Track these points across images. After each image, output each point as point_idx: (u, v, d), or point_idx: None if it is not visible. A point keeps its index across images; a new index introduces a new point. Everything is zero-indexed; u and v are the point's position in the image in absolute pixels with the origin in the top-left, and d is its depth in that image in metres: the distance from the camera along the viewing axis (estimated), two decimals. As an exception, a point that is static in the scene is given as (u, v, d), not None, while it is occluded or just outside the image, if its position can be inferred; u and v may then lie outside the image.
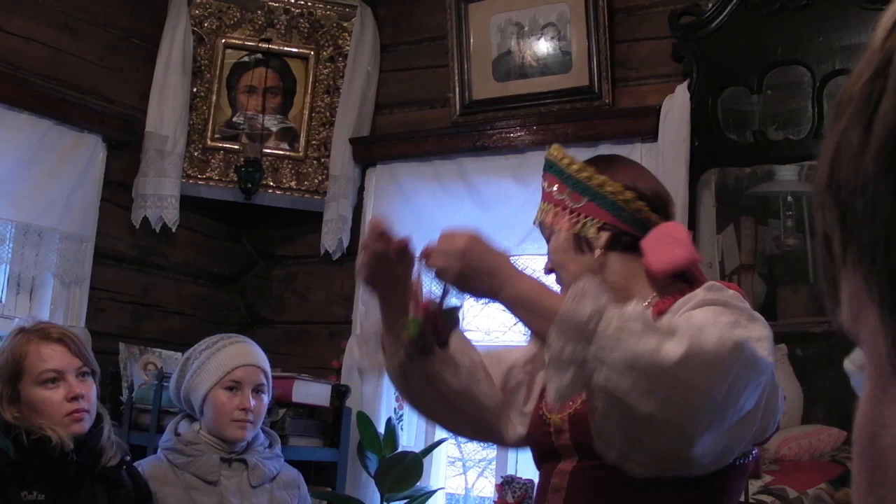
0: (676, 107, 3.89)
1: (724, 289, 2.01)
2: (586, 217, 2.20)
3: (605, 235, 2.19)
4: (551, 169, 2.28)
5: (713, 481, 1.99)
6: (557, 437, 2.16)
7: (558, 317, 1.79)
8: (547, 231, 2.27)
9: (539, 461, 2.26)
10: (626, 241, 2.19)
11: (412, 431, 4.54)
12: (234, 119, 4.81)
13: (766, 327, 1.94)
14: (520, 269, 1.98)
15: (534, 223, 2.33)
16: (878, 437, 0.51)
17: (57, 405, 2.77)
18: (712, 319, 1.84)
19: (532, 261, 4.33)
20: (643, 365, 1.73)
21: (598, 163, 2.28)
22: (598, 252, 2.20)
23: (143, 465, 3.17)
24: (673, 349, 1.72)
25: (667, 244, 2.17)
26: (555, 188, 2.26)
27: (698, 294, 2.00)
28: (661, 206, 2.25)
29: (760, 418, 1.93)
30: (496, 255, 1.98)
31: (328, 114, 4.83)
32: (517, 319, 1.98)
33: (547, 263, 2.28)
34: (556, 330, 1.80)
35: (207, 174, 4.73)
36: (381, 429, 4.23)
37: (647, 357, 1.73)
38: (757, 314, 1.97)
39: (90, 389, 2.86)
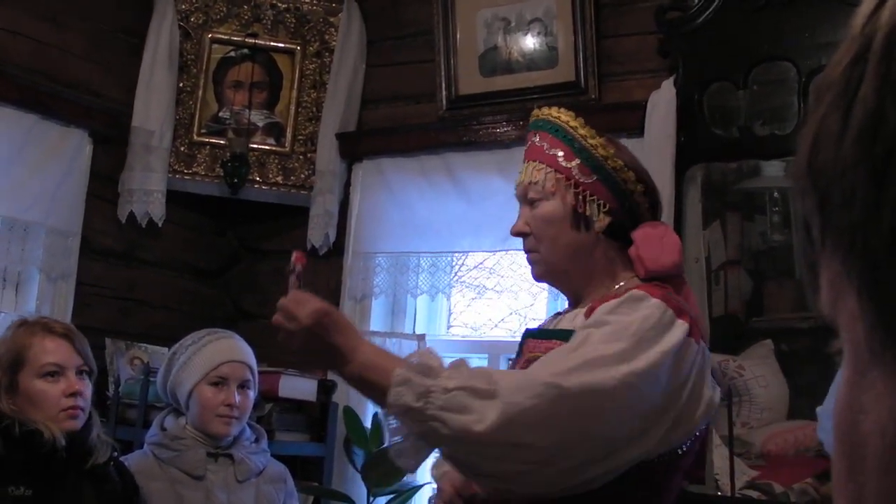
0: (662, 102, 3.89)
1: (644, 298, 2.05)
2: (592, 196, 2.19)
3: (606, 220, 2.19)
4: (556, 132, 2.23)
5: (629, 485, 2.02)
6: None
7: (389, 400, 1.86)
8: (537, 194, 2.22)
9: None
10: (617, 229, 2.20)
11: (399, 426, 4.53)
12: (221, 114, 4.80)
13: (675, 341, 2.00)
14: (359, 342, 1.99)
15: (521, 181, 2.26)
16: (857, 423, 0.51)
17: (55, 399, 2.77)
18: (593, 354, 1.92)
19: (516, 256, 4.34)
20: (468, 439, 1.83)
21: (610, 141, 2.27)
22: (593, 233, 2.20)
23: (129, 460, 3.16)
24: (489, 418, 1.81)
25: (660, 245, 2.20)
26: (559, 154, 2.21)
27: (613, 305, 2.05)
28: (656, 203, 2.28)
29: (669, 427, 2.00)
30: (339, 333, 1.98)
31: (314, 109, 4.82)
32: (354, 388, 2.03)
33: (522, 226, 2.24)
34: (390, 410, 1.88)
35: (194, 169, 4.72)
36: (368, 424, 4.23)
37: (467, 431, 1.82)
38: (673, 321, 2.02)
39: (87, 388, 2.86)
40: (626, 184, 2.20)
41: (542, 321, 2.49)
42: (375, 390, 1.93)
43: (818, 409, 3.51)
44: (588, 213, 2.18)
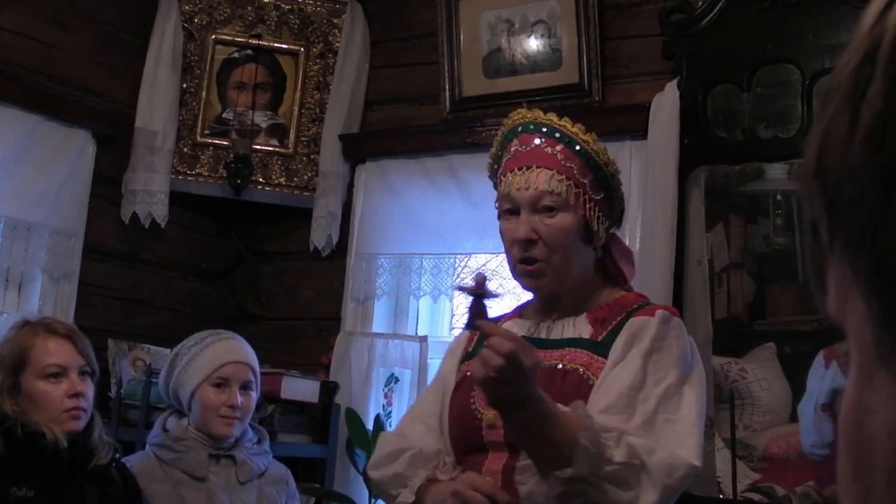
0: (666, 104, 3.89)
1: (670, 318, 2.19)
2: (601, 212, 2.25)
3: (605, 236, 2.27)
4: (569, 143, 2.25)
5: None
6: (489, 433, 2.18)
7: (572, 469, 1.92)
8: (556, 203, 2.22)
9: (463, 453, 2.25)
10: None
11: (401, 428, 4.53)
12: (224, 115, 4.80)
13: (693, 348, 2.23)
14: (539, 390, 1.95)
15: (532, 186, 2.23)
16: (864, 424, 0.51)
17: (57, 400, 2.77)
18: (664, 390, 2.09)
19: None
20: None
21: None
22: (592, 247, 2.28)
23: (131, 461, 3.16)
24: (647, 499, 1.97)
25: (628, 258, 2.37)
26: (574, 167, 2.23)
27: (651, 328, 2.15)
28: (621, 219, 2.40)
29: None
30: (533, 381, 1.92)
31: (318, 110, 4.82)
32: (519, 436, 2.01)
33: (531, 233, 2.22)
34: (563, 476, 1.93)
35: (197, 170, 4.72)
36: (370, 425, 4.23)
37: None
38: (682, 325, 2.23)
39: (89, 389, 2.86)
40: (620, 202, 2.32)
41: (502, 317, 2.43)
42: (546, 443, 1.94)
43: (798, 406, 3.53)
44: (595, 228, 2.24)
